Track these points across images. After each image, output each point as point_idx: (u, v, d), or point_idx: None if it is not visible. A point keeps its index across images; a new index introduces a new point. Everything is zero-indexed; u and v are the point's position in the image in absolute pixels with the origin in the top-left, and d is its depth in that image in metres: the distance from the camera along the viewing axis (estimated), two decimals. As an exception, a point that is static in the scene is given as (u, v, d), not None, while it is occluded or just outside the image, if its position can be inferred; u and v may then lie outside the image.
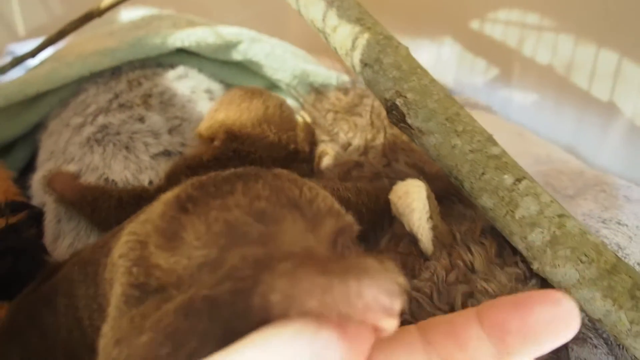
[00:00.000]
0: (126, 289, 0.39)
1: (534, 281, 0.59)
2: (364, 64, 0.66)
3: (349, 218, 0.41)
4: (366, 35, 0.66)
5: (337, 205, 0.41)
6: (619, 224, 0.65)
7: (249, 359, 0.27)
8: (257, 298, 0.28)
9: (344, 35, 0.68)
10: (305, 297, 0.26)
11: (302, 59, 1.05)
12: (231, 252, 0.34)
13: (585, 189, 0.74)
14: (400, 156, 0.74)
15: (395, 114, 0.64)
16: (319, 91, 0.92)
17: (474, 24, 1.12)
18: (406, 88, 0.63)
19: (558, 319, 0.31)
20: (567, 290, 0.55)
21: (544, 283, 0.59)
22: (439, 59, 1.26)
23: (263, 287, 0.28)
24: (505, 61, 1.08)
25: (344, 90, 0.89)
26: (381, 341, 0.35)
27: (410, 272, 0.58)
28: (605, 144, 0.94)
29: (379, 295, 0.25)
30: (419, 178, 0.68)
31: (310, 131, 0.86)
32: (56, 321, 0.52)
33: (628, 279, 0.54)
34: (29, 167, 1.00)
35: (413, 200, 0.58)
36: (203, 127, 0.83)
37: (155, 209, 0.41)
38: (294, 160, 0.80)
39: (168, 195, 0.41)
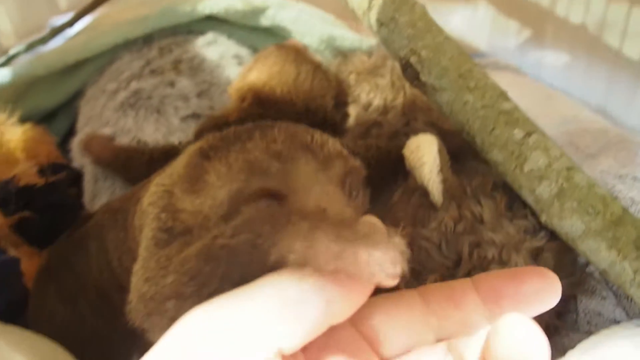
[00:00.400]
0: (155, 233, 0.44)
1: (542, 233, 0.61)
2: (380, 23, 0.67)
3: (356, 162, 0.45)
4: (382, -5, 0.67)
5: (345, 151, 0.45)
6: (635, 179, 0.65)
7: (258, 300, 0.31)
8: (275, 254, 0.32)
9: (361, -5, 0.69)
10: (319, 260, 0.30)
11: (329, 24, 1.06)
12: (251, 185, 0.39)
13: (607, 148, 0.74)
14: (419, 115, 0.76)
15: (410, 72, 0.65)
16: (344, 55, 0.94)
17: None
18: (420, 46, 0.64)
19: (544, 289, 0.37)
20: (573, 241, 0.56)
21: (553, 236, 0.60)
22: (473, 21, 1.26)
23: (281, 246, 0.32)
24: (538, 22, 1.07)
25: (369, 53, 0.91)
26: (384, 301, 0.38)
27: (420, 223, 0.60)
28: (635, 104, 0.93)
29: (384, 262, 0.29)
30: (435, 135, 0.70)
31: (342, 92, 0.86)
32: (88, 263, 0.56)
33: (633, 231, 0.54)
34: (71, 132, 1.05)
35: (424, 154, 0.60)
36: (235, 86, 0.82)
37: (179, 161, 0.46)
38: (321, 128, 0.81)
39: (191, 148, 0.46)
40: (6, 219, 0.71)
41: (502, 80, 0.96)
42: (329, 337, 0.37)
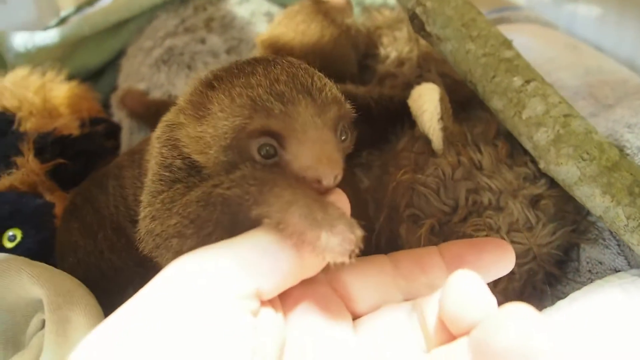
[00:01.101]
0: (158, 169, 0.50)
1: (543, 181, 0.62)
2: (390, -24, 0.69)
3: (347, 106, 0.49)
4: (392, -53, 0.68)
5: (339, 95, 0.49)
6: (644, 128, 0.65)
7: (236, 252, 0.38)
8: (255, 212, 0.39)
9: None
10: (288, 229, 0.37)
11: (361, -19, 1.07)
12: (255, 122, 0.43)
13: (624, 98, 0.73)
14: (432, 66, 0.77)
15: (416, 23, 0.66)
16: (368, 10, 0.95)
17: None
18: (426, -4, 0.65)
19: (501, 258, 0.45)
20: (569, 187, 0.57)
21: (554, 183, 0.60)
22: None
23: (261, 209, 0.39)
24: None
25: (392, 8, 0.92)
26: (358, 263, 0.43)
27: (420, 170, 0.62)
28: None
29: (337, 248, 0.37)
30: (447, 86, 0.71)
31: (368, 50, 0.87)
32: (106, 199, 0.61)
33: (629, 176, 0.54)
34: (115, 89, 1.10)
35: (425, 102, 0.61)
36: (260, 37, 0.83)
37: (185, 91, 0.50)
38: (338, 78, 0.82)
39: (196, 78, 0.50)
40: (42, 166, 0.77)
41: (529, 31, 0.95)
42: (305, 290, 0.42)
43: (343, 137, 0.48)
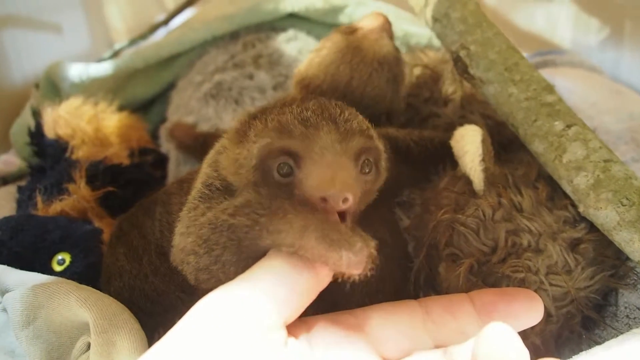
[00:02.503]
0: (201, 187, 0.54)
1: (582, 224, 0.62)
2: (435, 19, 0.71)
3: (377, 143, 0.52)
4: (437, -8, 0.70)
5: (371, 131, 0.52)
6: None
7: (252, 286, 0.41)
8: (267, 241, 0.42)
9: (418, -8, 0.73)
10: (307, 254, 0.40)
11: (405, 21, 1.09)
12: (277, 142, 0.47)
13: (666, 145, 0.73)
14: (476, 108, 0.78)
15: (460, 65, 0.68)
16: (413, 50, 0.97)
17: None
18: (470, 41, 0.67)
19: (531, 308, 0.46)
20: (608, 232, 0.57)
21: (594, 228, 0.60)
22: (557, 18, 1.25)
23: (273, 238, 0.42)
24: (617, 20, 1.06)
25: (438, 49, 0.93)
26: (388, 306, 0.48)
27: (461, 210, 0.63)
28: None
29: (354, 262, 0.40)
30: (489, 127, 0.72)
31: (411, 89, 0.87)
32: (152, 225, 0.64)
33: (667, 223, 0.55)
34: (163, 120, 1.14)
35: (467, 143, 0.63)
36: (296, 76, 0.81)
37: (237, 120, 0.55)
38: (373, 116, 0.78)
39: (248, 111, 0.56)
40: (93, 192, 0.80)
41: (573, 75, 0.96)
42: (335, 332, 0.45)
43: (366, 170, 0.51)
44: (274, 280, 0.41)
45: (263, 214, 0.43)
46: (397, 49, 0.77)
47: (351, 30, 0.78)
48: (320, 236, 0.40)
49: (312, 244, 0.40)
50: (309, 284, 0.42)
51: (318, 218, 0.42)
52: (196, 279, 0.48)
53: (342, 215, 0.46)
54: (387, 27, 0.77)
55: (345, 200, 0.44)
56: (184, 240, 0.49)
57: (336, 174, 0.45)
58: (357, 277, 0.41)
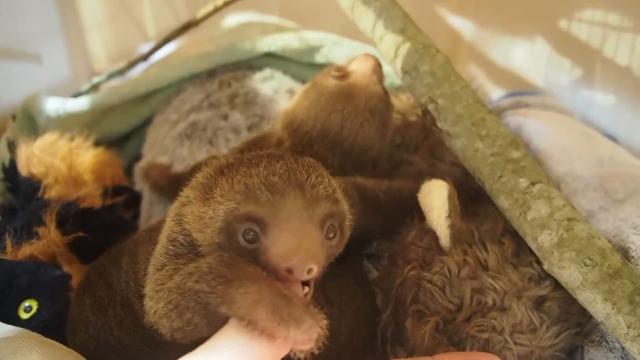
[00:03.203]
0: (165, 242, 0.54)
1: (547, 282, 0.62)
2: (404, 71, 0.71)
3: (343, 207, 0.53)
4: (407, 45, 0.71)
5: (337, 194, 0.52)
6: (651, 230, 0.65)
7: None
8: (223, 310, 0.43)
9: (388, 44, 0.73)
10: (257, 325, 0.41)
11: (383, 62, 1.10)
12: (243, 207, 0.48)
13: (634, 194, 0.73)
14: (446, 156, 0.78)
15: (429, 118, 0.68)
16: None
17: (563, 23, 1.12)
18: (438, 94, 0.67)
19: None
20: (572, 291, 0.57)
21: (558, 284, 0.61)
22: (531, 56, 1.26)
23: (229, 307, 0.42)
24: (588, 61, 1.07)
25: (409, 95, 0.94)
26: None
27: (427, 266, 0.63)
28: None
29: (303, 340, 0.41)
30: (459, 177, 0.73)
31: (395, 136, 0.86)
32: (118, 275, 0.64)
33: (629, 284, 0.55)
34: (139, 157, 1.14)
35: (434, 199, 0.63)
36: (288, 107, 0.79)
37: (202, 172, 0.55)
38: (358, 164, 0.76)
39: (215, 162, 0.55)
40: (63, 237, 0.79)
41: (546, 119, 0.97)
42: None
43: (331, 235, 0.51)
44: (231, 351, 0.42)
45: (220, 282, 0.43)
46: (387, 93, 0.77)
47: (342, 74, 0.77)
48: (272, 311, 0.41)
49: (263, 318, 0.41)
50: (267, 353, 0.42)
51: (273, 291, 0.42)
52: (172, 337, 0.49)
53: (305, 281, 0.47)
54: (377, 69, 0.78)
55: (310, 270, 0.45)
56: (155, 305, 0.49)
57: (302, 243, 0.45)
58: (303, 355, 0.42)
